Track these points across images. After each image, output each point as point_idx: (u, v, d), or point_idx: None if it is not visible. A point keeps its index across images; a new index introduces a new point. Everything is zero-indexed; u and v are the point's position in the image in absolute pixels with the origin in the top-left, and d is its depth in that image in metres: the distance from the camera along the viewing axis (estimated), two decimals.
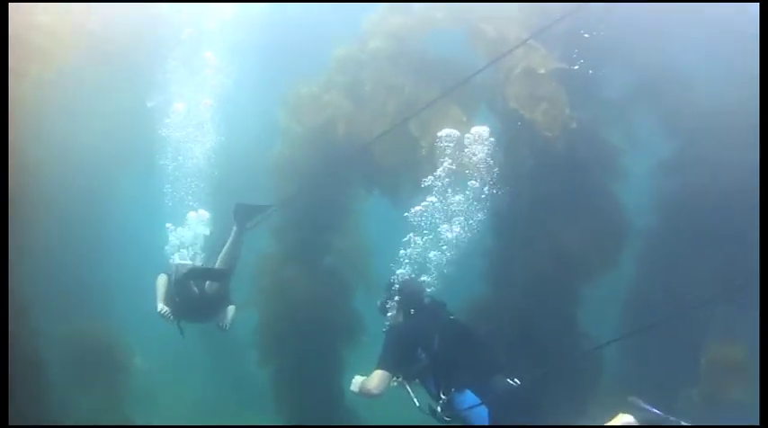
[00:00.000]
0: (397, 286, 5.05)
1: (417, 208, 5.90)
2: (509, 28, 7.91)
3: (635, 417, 3.56)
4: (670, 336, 7.16)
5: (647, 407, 3.59)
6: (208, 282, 6.58)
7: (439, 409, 4.46)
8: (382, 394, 4.52)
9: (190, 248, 6.97)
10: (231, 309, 6.90)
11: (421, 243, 5.64)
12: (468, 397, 4.34)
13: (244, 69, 8.79)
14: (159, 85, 8.28)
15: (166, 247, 6.96)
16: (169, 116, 7.83)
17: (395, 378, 4.62)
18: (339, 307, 9.41)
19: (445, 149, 6.27)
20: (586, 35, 7.67)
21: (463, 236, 5.85)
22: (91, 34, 8.64)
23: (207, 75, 8.30)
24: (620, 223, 8.52)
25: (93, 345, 9.42)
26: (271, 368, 9.51)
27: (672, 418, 3.52)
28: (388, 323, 5.00)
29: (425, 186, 6.08)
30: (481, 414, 4.28)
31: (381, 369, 4.52)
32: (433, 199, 5.92)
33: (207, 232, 7.14)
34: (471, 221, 5.93)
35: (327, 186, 8.78)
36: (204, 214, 7.12)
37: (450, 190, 5.98)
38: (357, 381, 4.70)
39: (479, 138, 6.25)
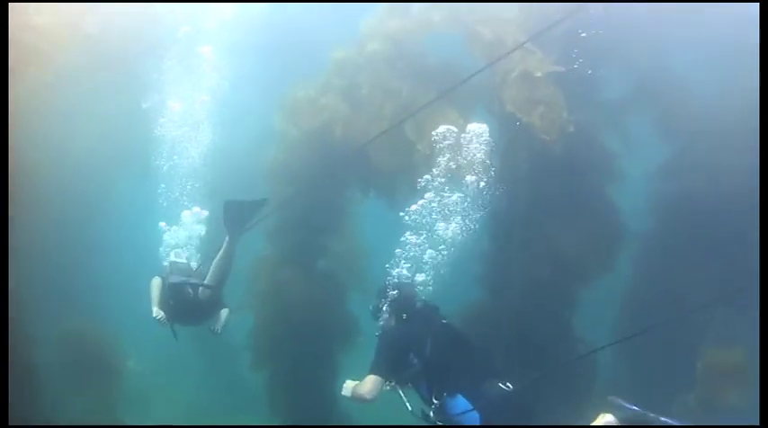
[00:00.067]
0: (391, 290, 5.02)
1: (414, 206, 5.87)
2: (506, 31, 7.92)
3: (615, 416, 3.56)
4: (666, 340, 7.15)
5: (628, 405, 3.60)
6: (201, 288, 6.52)
7: (431, 414, 4.46)
8: (375, 399, 4.50)
9: (185, 248, 6.92)
10: (224, 312, 6.85)
11: (417, 241, 5.60)
12: (461, 402, 4.35)
13: (241, 70, 8.78)
14: (155, 85, 8.26)
15: (161, 249, 6.92)
16: (164, 115, 7.81)
17: (387, 383, 4.60)
18: (334, 310, 9.38)
19: (443, 147, 6.24)
20: (584, 34, 7.66)
21: (460, 234, 5.82)
22: (86, 35, 8.63)
23: (204, 72, 8.28)
24: (618, 226, 8.51)
25: (86, 347, 9.38)
26: (265, 371, 9.47)
27: (652, 415, 3.54)
28: (380, 327, 4.97)
29: (423, 185, 6.04)
30: (473, 419, 4.27)
31: (374, 373, 4.51)
32: (431, 195, 5.89)
33: (202, 232, 7.09)
34: (468, 220, 5.90)
35: (323, 188, 8.76)
36: (198, 211, 7.05)
37: (447, 187, 5.95)
38: (349, 386, 4.68)
39: (477, 135, 6.22)
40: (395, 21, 8.65)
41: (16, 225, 7.12)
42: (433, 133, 6.38)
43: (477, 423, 4.27)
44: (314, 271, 9.37)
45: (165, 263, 6.82)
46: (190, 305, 6.49)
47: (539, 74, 7.89)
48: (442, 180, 5.98)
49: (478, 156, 6.23)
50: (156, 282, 6.60)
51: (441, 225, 5.81)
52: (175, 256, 6.84)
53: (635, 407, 3.58)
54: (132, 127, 8.95)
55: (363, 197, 9.42)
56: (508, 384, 4.42)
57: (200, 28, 8.67)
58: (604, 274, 8.46)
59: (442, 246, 5.70)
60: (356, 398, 4.59)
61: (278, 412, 9.42)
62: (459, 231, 5.83)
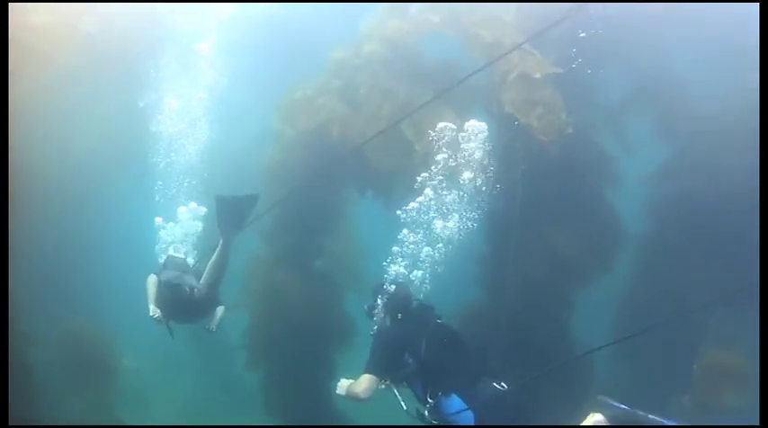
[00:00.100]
0: (386, 289, 5.00)
1: (412, 204, 5.85)
2: (505, 32, 7.92)
3: (605, 415, 3.55)
4: (664, 341, 7.12)
5: (616, 404, 3.59)
6: (196, 289, 6.50)
7: (426, 413, 4.45)
8: (369, 398, 4.49)
9: (182, 244, 6.89)
10: (220, 310, 6.83)
11: (414, 239, 5.59)
12: (455, 402, 4.33)
13: (239, 69, 8.77)
14: (152, 83, 8.25)
15: (157, 247, 6.90)
16: (161, 112, 7.79)
17: (382, 382, 4.59)
18: (331, 311, 9.36)
19: (441, 144, 6.22)
20: (583, 34, 7.65)
21: (457, 233, 5.80)
22: (85, 34, 8.63)
23: (201, 69, 8.26)
24: (616, 227, 8.49)
25: (84, 347, 9.38)
26: (260, 370, 9.44)
27: (641, 413, 3.52)
28: (375, 327, 4.95)
29: (420, 183, 6.02)
30: (467, 419, 4.26)
31: (369, 373, 4.50)
32: (429, 192, 5.87)
33: (199, 228, 7.07)
34: (465, 219, 5.88)
35: (320, 188, 8.74)
36: (195, 207, 7.02)
37: (445, 184, 5.94)
38: (344, 384, 4.67)
39: (475, 133, 6.20)
40: (393, 22, 8.66)
41: (15, 225, 7.11)
42: (431, 131, 6.36)
43: (472, 423, 4.26)
44: (310, 271, 9.36)
45: (161, 259, 6.80)
46: (186, 302, 6.48)
47: (537, 75, 7.88)
48: (440, 177, 5.97)
49: (477, 154, 6.22)
50: (152, 280, 6.58)
51: (438, 223, 5.79)
52: (174, 251, 6.81)
53: (624, 406, 3.56)
54: (130, 126, 8.93)
55: (360, 197, 9.40)
56: (503, 384, 4.40)
57: (198, 26, 8.66)
58: (602, 275, 8.45)
59: (440, 244, 5.69)
60: (351, 397, 4.58)
61: (272, 411, 9.40)
62: (456, 229, 5.81)
